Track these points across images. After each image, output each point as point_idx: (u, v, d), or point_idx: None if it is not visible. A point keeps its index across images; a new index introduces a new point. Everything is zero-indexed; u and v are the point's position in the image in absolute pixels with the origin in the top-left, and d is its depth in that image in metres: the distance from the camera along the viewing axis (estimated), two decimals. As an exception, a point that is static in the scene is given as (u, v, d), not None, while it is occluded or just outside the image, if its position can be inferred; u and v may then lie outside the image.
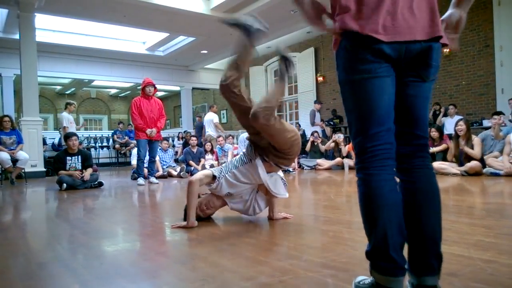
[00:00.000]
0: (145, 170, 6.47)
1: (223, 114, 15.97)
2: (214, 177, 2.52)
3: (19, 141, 6.69)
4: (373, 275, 1.17)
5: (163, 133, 10.61)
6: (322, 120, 10.22)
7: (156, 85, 6.11)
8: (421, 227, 1.17)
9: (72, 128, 8.33)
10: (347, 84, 1.19)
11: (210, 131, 9.45)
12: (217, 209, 2.73)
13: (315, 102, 10.33)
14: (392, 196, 1.14)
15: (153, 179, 6.03)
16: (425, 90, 1.19)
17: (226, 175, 2.50)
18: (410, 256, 1.18)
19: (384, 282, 1.12)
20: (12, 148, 6.52)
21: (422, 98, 1.19)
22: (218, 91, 2.47)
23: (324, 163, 7.85)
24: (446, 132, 6.95)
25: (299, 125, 11.64)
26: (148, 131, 5.77)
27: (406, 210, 1.18)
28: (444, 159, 5.97)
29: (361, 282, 1.27)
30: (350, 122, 1.22)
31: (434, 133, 6.18)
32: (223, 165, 2.62)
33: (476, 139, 5.56)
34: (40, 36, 9.05)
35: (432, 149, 6.10)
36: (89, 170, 5.56)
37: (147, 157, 6.45)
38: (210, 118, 9.61)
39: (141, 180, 5.80)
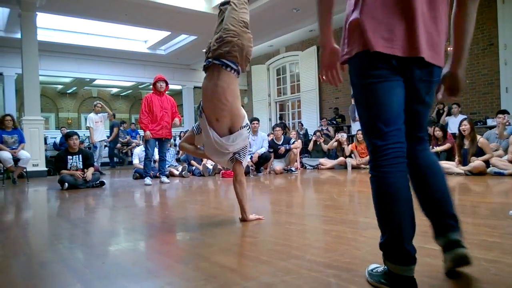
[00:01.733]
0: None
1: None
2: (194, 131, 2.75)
3: (21, 140, 6.70)
4: (387, 265, 1.26)
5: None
6: None
7: (168, 82, 6.11)
8: (431, 194, 1.32)
9: (98, 128, 8.36)
10: (359, 87, 1.29)
11: None
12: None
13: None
14: (405, 192, 1.24)
15: (164, 179, 5.97)
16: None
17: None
18: (431, 223, 1.32)
19: (397, 271, 1.22)
20: (14, 147, 6.52)
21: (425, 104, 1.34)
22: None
23: (327, 162, 7.82)
24: (449, 131, 6.91)
25: (302, 124, 11.59)
26: (147, 133, 5.73)
27: (415, 183, 1.33)
28: (448, 158, 5.92)
29: (374, 270, 1.37)
30: (363, 122, 1.32)
31: (438, 132, 6.14)
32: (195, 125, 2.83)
33: (482, 140, 5.46)
34: (42, 35, 9.05)
35: (436, 148, 6.06)
36: (91, 170, 5.55)
37: (155, 156, 6.45)
38: None
39: (148, 180, 5.72)
